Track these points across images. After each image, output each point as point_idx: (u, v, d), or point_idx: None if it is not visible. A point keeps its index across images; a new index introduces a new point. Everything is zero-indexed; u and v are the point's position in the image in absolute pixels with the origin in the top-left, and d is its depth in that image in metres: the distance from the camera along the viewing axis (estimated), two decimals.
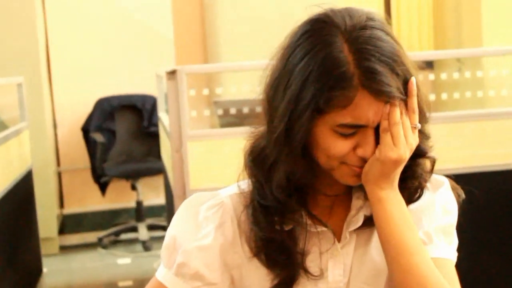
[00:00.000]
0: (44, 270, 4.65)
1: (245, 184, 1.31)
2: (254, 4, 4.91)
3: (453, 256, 1.28)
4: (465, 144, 3.00)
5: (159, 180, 5.20)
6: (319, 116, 1.18)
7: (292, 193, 1.25)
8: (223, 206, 1.30)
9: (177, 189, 3.01)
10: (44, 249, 4.75)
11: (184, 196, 2.99)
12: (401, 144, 1.19)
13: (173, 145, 2.86)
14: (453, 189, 1.32)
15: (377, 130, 1.20)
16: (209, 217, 1.30)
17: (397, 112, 1.18)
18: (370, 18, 1.19)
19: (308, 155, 1.22)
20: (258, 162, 1.27)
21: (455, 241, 1.30)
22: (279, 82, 1.22)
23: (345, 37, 1.17)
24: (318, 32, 1.19)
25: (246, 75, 4.42)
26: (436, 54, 5.04)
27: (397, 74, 1.17)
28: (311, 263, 1.27)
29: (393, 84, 1.16)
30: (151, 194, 5.56)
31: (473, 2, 5.40)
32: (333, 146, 1.19)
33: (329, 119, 1.17)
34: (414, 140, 1.21)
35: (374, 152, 1.19)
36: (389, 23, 1.23)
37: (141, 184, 5.39)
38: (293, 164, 1.22)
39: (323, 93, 1.15)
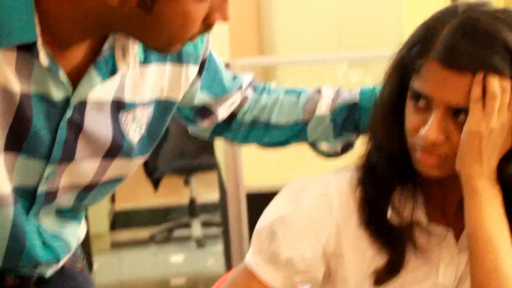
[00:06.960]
0: (95, 266, 4.64)
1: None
2: None
3: None
4: None
5: (213, 176, 5.15)
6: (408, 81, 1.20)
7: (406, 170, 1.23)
8: (327, 195, 1.28)
9: (230, 185, 2.98)
10: (94, 245, 4.74)
11: (237, 193, 2.98)
12: (492, 118, 1.13)
13: None
14: None
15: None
16: (310, 206, 1.27)
17: (495, 84, 1.11)
18: (495, 9, 1.17)
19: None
20: (374, 125, 1.29)
21: None
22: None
23: (457, 15, 1.17)
24: (439, 11, 1.21)
25: (302, 69, 4.38)
26: None
27: (498, 52, 1.12)
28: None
29: (482, 59, 1.11)
30: (205, 190, 5.52)
31: None
32: (408, 119, 1.20)
33: (410, 84, 1.19)
34: (508, 119, 1.15)
35: (435, 137, 1.15)
36: None
37: (195, 180, 5.35)
38: (383, 128, 1.24)
39: (408, 56, 1.20)
